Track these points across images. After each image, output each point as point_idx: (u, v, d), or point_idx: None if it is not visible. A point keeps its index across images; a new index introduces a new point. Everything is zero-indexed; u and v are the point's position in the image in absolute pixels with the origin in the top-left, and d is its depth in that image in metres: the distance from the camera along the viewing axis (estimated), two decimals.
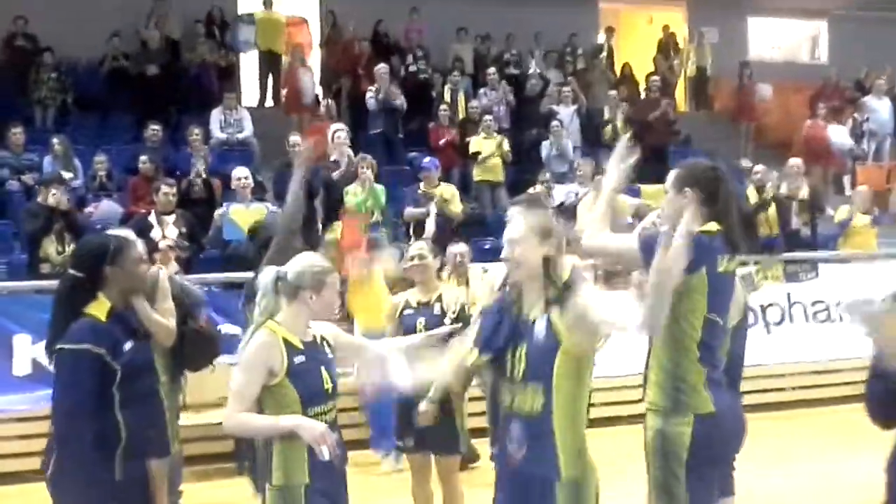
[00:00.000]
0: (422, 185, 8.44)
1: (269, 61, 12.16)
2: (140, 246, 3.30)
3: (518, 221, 2.74)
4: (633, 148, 3.19)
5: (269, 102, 12.46)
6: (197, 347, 3.90)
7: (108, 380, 3.03)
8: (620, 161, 3.10)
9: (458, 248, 5.80)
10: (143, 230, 6.38)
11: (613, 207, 3.37)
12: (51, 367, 3.21)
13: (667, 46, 14.10)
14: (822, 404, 7.55)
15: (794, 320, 8.05)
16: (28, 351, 6.00)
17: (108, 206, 8.46)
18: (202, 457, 5.87)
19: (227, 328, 6.37)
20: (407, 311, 4.29)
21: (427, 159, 8.77)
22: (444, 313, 4.21)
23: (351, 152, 8.50)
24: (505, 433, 2.75)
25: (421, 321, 4.17)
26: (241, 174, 7.95)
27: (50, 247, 7.14)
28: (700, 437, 2.95)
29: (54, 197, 7.16)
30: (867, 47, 14.86)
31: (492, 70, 11.57)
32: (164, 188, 7.20)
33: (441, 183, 8.54)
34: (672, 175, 3.11)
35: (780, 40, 16.56)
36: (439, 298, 4.29)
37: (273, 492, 2.88)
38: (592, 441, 2.76)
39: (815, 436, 6.81)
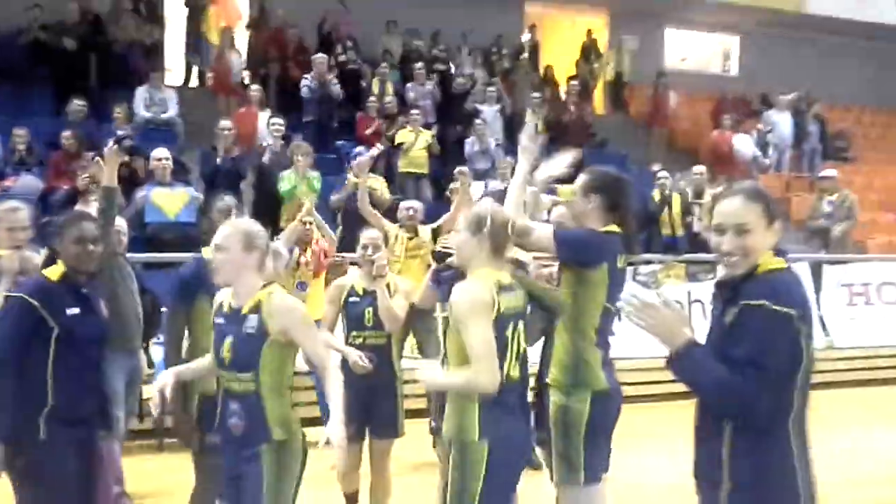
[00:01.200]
0: (353, 174, 8.58)
1: (196, 40, 12.11)
2: (84, 226, 3.39)
3: None
4: (540, 135, 3.56)
5: (194, 82, 12.43)
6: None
7: (41, 334, 3.14)
8: (528, 146, 3.44)
9: (412, 203, 6.42)
10: (72, 203, 6.40)
11: (535, 203, 3.70)
12: None
13: (588, 51, 14.61)
14: None
15: (693, 317, 8.63)
16: None
17: (28, 181, 8.36)
18: None
19: None
20: (352, 299, 4.21)
21: (359, 148, 8.95)
22: None
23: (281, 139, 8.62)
24: None
25: (369, 310, 4.14)
26: (160, 154, 7.95)
27: None
28: (596, 411, 3.31)
29: None
30: (774, 64, 15.77)
31: (419, 65, 11.81)
32: (83, 166, 7.17)
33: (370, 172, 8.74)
34: (580, 180, 3.44)
35: (694, 52, 17.35)
36: (387, 286, 4.18)
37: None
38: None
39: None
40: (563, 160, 3.54)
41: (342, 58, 12.03)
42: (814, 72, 15.62)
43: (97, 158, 4.15)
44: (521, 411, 3.05)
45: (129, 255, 6.13)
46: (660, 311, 2.36)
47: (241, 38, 12.43)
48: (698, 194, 9.60)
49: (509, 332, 2.94)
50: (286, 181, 8.06)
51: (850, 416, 7.56)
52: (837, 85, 15.90)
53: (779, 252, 2.42)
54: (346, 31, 12.57)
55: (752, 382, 2.24)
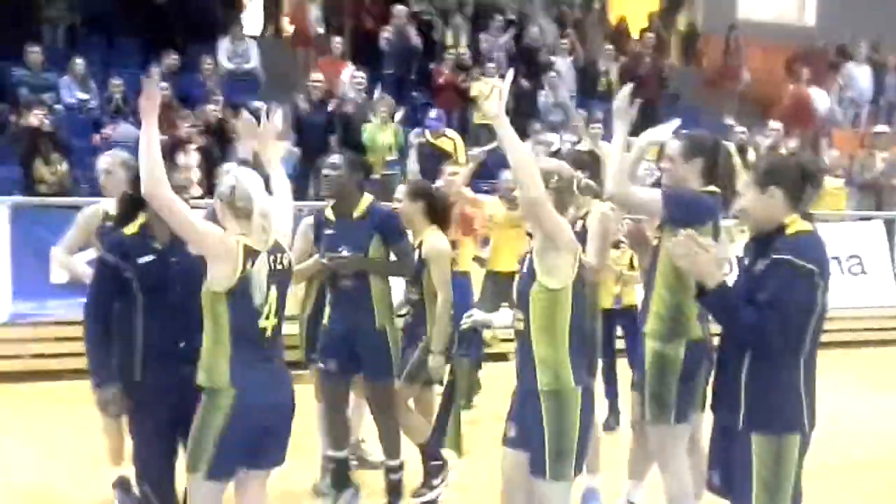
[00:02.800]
0: (427, 135, 8.73)
1: None
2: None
3: None
4: (633, 101, 3.67)
5: (271, 33, 12.69)
6: None
7: (124, 287, 3.22)
8: (623, 114, 3.54)
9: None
10: (172, 153, 6.77)
11: (635, 167, 3.82)
12: None
13: (672, 2, 14.39)
14: None
15: None
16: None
17: (125, 129, 8.79)
18: None
19: None
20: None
21: (433, 114, 8.93)
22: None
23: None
24: None
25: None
26: (258, 109, 8.27)
27: (41, 168, 7.48)
28: (689, 358, 3.53)
29: (36, 117, 7.43)
30: (853, 14, 15.33)
31: (495, 17, 11.86)
32: (185, 123, 7.53)
33: (445, 132, 8.85)
34: (679, 145, 3.55)
35: (769, 2, 16.95)
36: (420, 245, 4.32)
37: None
38: None
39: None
40: (667, 128, 3.65)
41: (416, 8, 12.16)
42: (894, 21, 15.15)
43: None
44: None
45: None
46: (699, 251, 2.77)
47: None
48: (775, 150, 9.58)
49: None
50: (368, 132, 8.33)
51: None
52: None
53: (807, 216, 2.84)
54: None
55: (771, 321, 2.69)
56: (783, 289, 2.69)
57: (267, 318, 2.96)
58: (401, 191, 4.56)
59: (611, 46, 12.14)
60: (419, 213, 4.21)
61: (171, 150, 7.41)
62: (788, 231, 2.78)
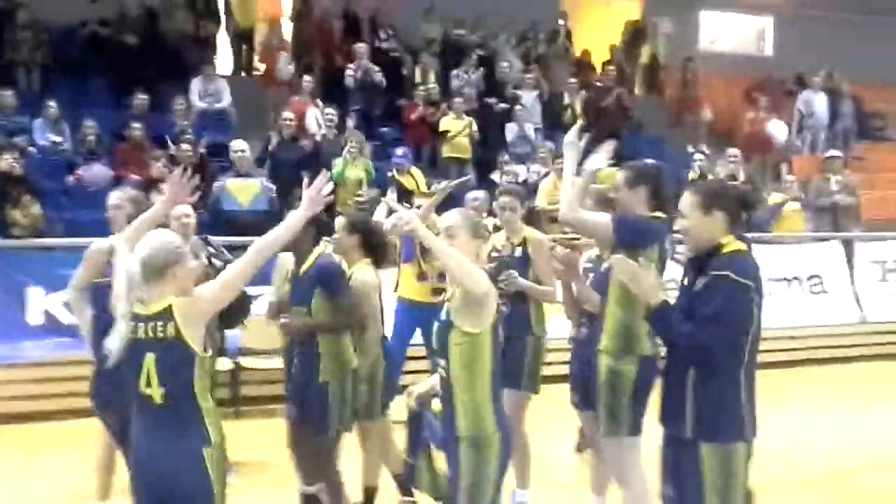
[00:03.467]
0: (394, 173, 8.88)
1: (243, 33, 12.57)
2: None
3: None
4: (585, 132, 3.92)
5: (243, 73, 12.87)
6: (232, 307, 4.40)
7: None
8: (573, 147, 3.80)
9: (478, 194, 6.01)
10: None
11: (584, 194, 4.06)
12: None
13: (634, 35, 14.79)
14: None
15: None
16: (41, 302, 6.51)
17: (98, 170, 8.91)
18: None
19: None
20: None
21: (400, 151, 9.02)
22: None
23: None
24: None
25: None
26: (238, 147, 8.47)
27: (13, 211, 7.59)
28: (641, 374, 3.73)
29: (6, 162, 7.55)
30: (809, 44, 15.86)
31: (465, 54, 12.14)
32: (163, 158, 7.69)
33: (409, 170, 8.98)
34: (625, 173, 3.83)
35: (729, 33, 17.48)
36: None
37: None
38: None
39: None
40: (605, 152, 3.91)
41: (384, 45, 12.42)
42: (850, 51, 15.68)
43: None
44: None
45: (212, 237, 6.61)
46: (642, 274, 3.03)
47: (286, 29, 12.88)
48: (732, 177, 9.90)
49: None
50: (338, 166, 8.53)
51: (882, 391, 7.88)
52: (873, 64, 15.94)
53: (741, 237, 3.04)
54: (386, 19, 12.94)
55: (712, 335, 2.89)
56: (723, 304, 2.88)
57: (148, 385, 2.84)
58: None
59: (574, 80, 12.45)
60: (355, 246, 4.28)
61: (145, 191, 7.56)
62: (724, 250, 2.99)
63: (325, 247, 4.22)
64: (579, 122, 4.03)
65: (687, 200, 3.10)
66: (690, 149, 11.56)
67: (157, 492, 2.85)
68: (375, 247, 4.32)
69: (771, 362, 8.41)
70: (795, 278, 9.60)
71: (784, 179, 11.13)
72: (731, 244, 3.01)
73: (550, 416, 5.42)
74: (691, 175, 9.91)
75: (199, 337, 2.87)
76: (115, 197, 4.36)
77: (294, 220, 3.12)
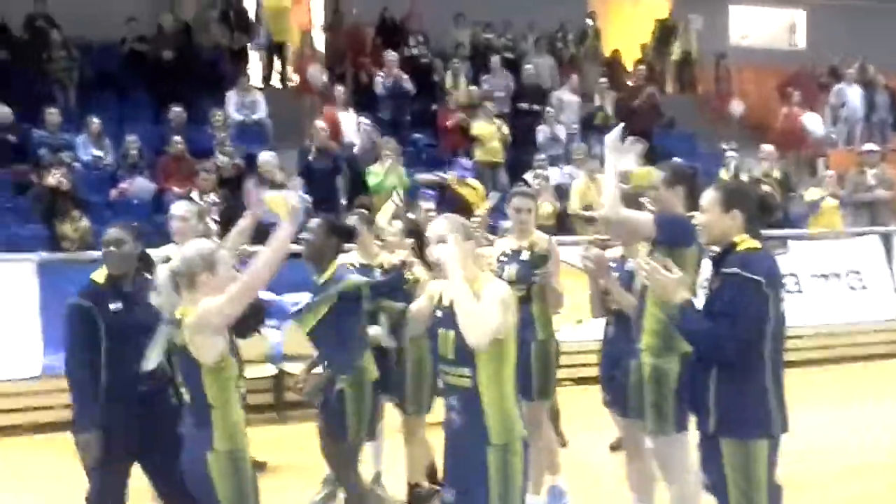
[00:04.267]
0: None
1: (276, 44, 12.78)
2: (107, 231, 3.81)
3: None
4: (626, 133, 3.99)
5: (276, 84, 13.09)
6: (245, 317, 4.44)
7: (94, 329, 3.60)
8: (615, 149, 3.87)
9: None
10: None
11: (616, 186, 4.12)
12: None
13: (664, 32, 14.75)
14: (787, 366, 8.44)
15: None
16: None
17: (141, 183, 9.14)
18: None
19: (266, 295, 7.23)
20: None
21: (466, 163, 9.17)
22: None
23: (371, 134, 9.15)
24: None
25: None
26: (265, 159, 8.58)
27: (63, 225, 7.82)
28: (684, 370, 3.78)
29: (54, 178, 7.78)
30: (842, 36, 15.70)
31: (495, 58, 12.22)
32: (203, 172, 7.87)
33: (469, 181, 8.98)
34: (664, 174, 3.90)
35: (760, 28, 17.35)
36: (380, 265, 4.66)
37: None
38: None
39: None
40: (635, 154, 3.98)
41: (414, 51, 12.54)
42: (883, 41, 15.49)
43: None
44: None
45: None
46: (664, 274, 3.12)
47: (319, 40, 13.07)
48: (766, 173, 9.86)
49: None
50: (374, 175, 8.64)
51: None
52: None
53: (756, 235, 3.17)
54: (416, 25, 13.07)
55: (723, 328, 3.00)
56: (733, 299, 3.01)
57: (181, 386, 3.14)
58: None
59: (605, 79, 12.47)
60: (331, 249, 4.18)
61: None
62: (738, 248, 3.12)
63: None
64: (621, 124, 4.07)
65: (709, 197, 3.25)
66: (724, 146, 11.51)
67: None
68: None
69: (811, 360, 8.41)
70: (835, 274, 9.53)
71: (820, 174, 11.04)
72: (745, 242, 3.14)
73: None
74: (724, 173, 9.89)
75: (210, 346, 2.97)
76: (180, 208, 4.56)
77: (282, 236, 3.10)
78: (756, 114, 14.50)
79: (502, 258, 4.56)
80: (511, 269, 4.48)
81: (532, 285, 4.50)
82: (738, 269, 3.03)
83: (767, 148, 10.40)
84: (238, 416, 3.11)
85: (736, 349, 3.01)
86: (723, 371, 3.07)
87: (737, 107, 13.73)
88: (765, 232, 9.87)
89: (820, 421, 6.30)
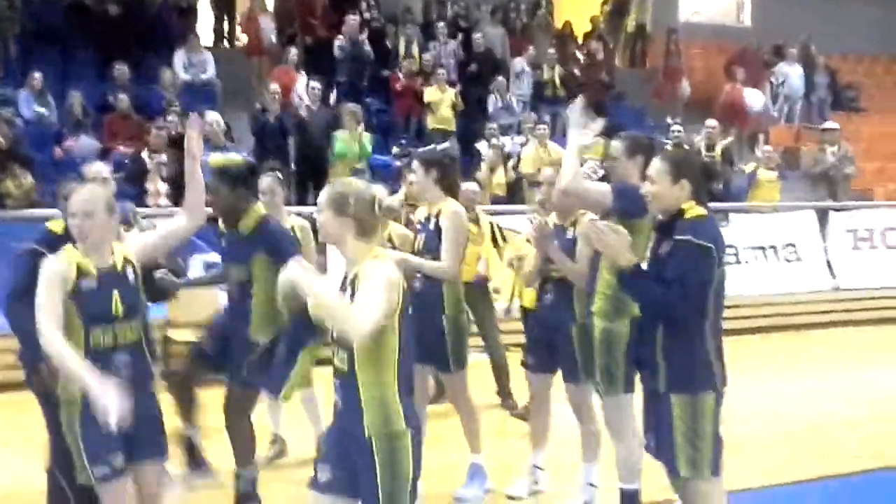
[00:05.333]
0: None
1: (225, 3, 12.55)
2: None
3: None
4: (585, 107, 4.07)
5: (225, 44, 12.87)
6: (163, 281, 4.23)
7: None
8: (577, 123, 3.94)
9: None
10: (139, 168, 7.00)
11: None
12: None
13: (617, 6, 14.86)
14: (729, 335, 8.73)
15: None
16: None
17: (85, 142, 8.96)
18: None
19: (209, 257, 7.24)
20: None
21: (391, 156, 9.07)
22: None
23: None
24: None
25: None
26: (213, 118, 8.45)
27: (7, 182, 7.64)
28: (634, 333, 3.93)
29: None
30: (787, 16, 16.04)
31: (441, 24, 12.22)
32: (155, 130, 7.75)
33: None
34: (622, 145, 4.00)
35: (709, 4, 17.61)
36: None
37: None
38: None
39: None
40: (591, 130, 4.07)
41: (366, 15, 12.43)
42: (827, 23, 15.88)
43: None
44: None
45: None
46: (612, 236, 3.22)
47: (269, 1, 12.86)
48: (710, 147, 10.13)
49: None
50: (340, 142, 8.60)
51: (854, 355, 8.19)
52: (849, 35, 16.18)
53: (701, 203, 3.28)
54: None
55: (675, 294, 3.14)
56: (685, 266, 3.14)
57: None
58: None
59: (554, 51, 12.57)
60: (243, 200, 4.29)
61: (135, 162, 7.68)
62: (687, 215, 3.24)
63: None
64: (580, 97, 4.15)
65: (656, 167, 3.34)
66: (670, 120, 11.75)
67: None
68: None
69: (748, 328, 8.74)
70: (771, 247, 9.87)
71: (761, 149, 11.37)
72: (693, 209, 3.25)
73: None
74: (667, 145, 10.12)
75: None
76: (93, 171, 4.38)
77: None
78: (702, 89, 14.76)
79: (418, 226, 4.51)
80: (420, 238, 4.43)
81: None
82: (690, 236, 3.15)
83: (711, 123, 10.66)
84: None
85: (689, 312, 3.17)
86: (670, 331, 3.23)
87: (685, 85, 13.99)
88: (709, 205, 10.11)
89: (756, 387, 6.57)
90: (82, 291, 3.10)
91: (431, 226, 4.37)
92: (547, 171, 4.59)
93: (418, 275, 4.30)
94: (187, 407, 4.40)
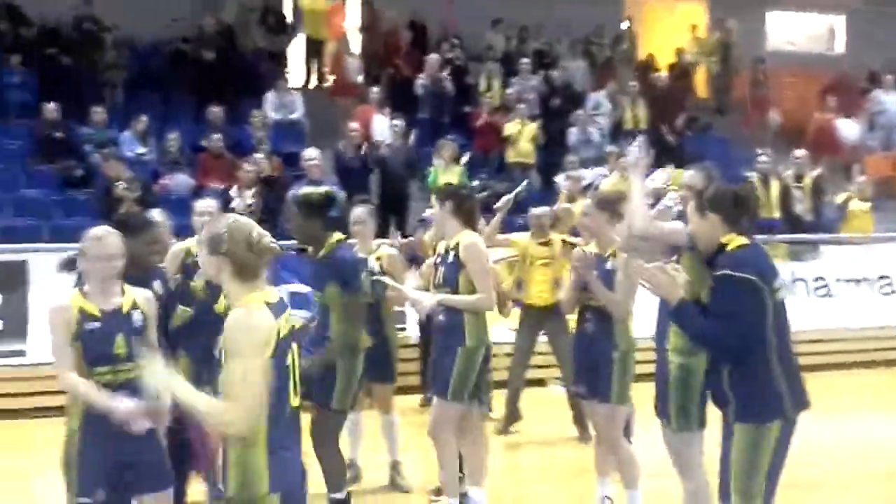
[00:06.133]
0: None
1: (314, 46, 13.03)
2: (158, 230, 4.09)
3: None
4: (648, 145, 4.08)
5: (313, 84, 13.33)
6: None
7: None
8: (638, 166, 3.98)
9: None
10: (226, 201, 7.33)
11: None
12: None
13: (694, 37, 14.77)
14: (819, 370, 8.38)
15: (796, 295, 8.90)
16: None
17: (181, 180, 9.43)
18: None
19: (296, 287, 7.47)
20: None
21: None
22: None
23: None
24: None
25: None
26: (310, 155, 8.83)
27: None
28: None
29: (113, 169, 8.04)
30: (881, 42, 15.53)
31: (525, 60, 12.35)
32: (247, 167, 8.12)
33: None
34: (698, 175, 4.00)
35: (799, 33, 17.22)
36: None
37: None
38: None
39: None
40: (664, 174, 4.10)
41: (448, 55, 12.71)
42: None
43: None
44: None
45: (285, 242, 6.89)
46: (659, 275, 3.23)
47: (355, 41, 13.30)
48: (798, 178, 9.86)
49: (287, 360, 2.65)
50: (434, 174, 8.84)
51: None
52: None
53: (743, 232, 3.28)
54: (452, 29, 13.23)
55: (720, 329, 3.14)
56: (727, 301, 3.14)
57: None
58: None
59: (636, 83, 12.52)
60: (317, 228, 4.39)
61: (225, 198, 8.01)
62: (728, 248, 3.23)
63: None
64: (640, 138, 4.17)
65: (689, 206, 3.39)
66: (758, 151, 11.49)
67: None
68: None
69: (839, 363, 8.40)
70: (865, 279, 9.50)
71: (855, 180, 10.98)
72: (733, 241, 3.24)
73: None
74: (752, 176, 9.93)
75: None
76: (202, 205, 4.79)
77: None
78: (793, 119, 14.40)
79: (437, 259, 4.53)
80: (441, 271, 4.45)
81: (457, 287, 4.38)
82: (729, 270, 3.15)
83: (800, 153, 10.38)
84: None
85: (739, 347, 3.15)
86: (734, 364, 3.21)
87: (774, 115, 13.67)
88: (792, 237, 9.89)
89: (844, 424, 6.32)
90: (84, 332, 3.25)
91: (450, 258, 4.39)
92: (584, 203, 4.62)
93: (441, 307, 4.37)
94: None
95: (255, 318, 2.56)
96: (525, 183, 6.27)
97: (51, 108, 9.78)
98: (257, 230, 2.69)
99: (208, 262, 2.67)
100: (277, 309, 2.63)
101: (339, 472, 4.34)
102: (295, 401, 2.67)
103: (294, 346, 2.69)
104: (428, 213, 5.69)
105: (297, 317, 2.74)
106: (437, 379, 4.48)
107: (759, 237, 9.10)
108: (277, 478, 2.56)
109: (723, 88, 14.76)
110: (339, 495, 4.28)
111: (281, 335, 2.60)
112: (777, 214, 9.73)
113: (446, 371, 4.38)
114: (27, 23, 11.44)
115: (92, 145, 9.64)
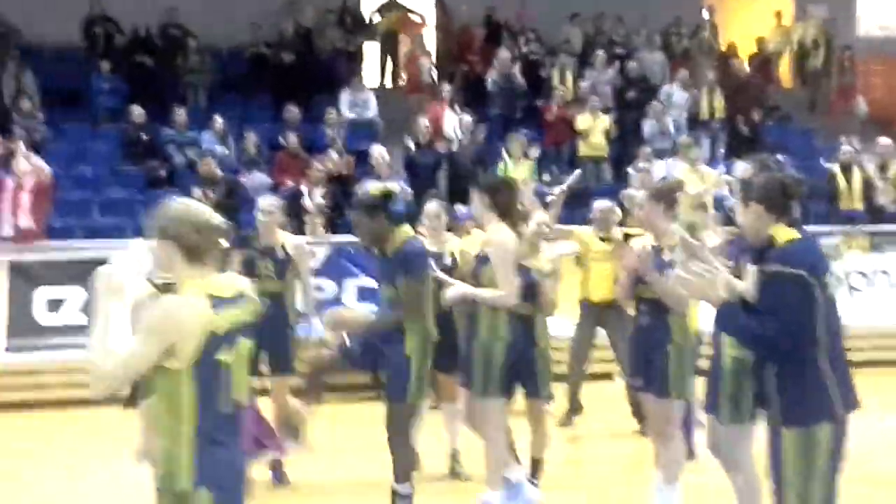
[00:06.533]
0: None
1: (389, 45, 13.22)
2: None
3: None
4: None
5: (388, 83, 13.51)
6: None
7: None
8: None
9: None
10: (296, 198, 7.55)
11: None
12: None
13: (779, 25, 14.32)
14: (879, 366, 7.69)
15: (878, 286, 8.54)
16: None
17: (258, 178, 9.75)
18: None
19: (362, 281, 7.72)
20: None
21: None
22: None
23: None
24: None
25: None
26: (377, 152, 9.00)
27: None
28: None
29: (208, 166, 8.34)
30: None
31: (600, 52, 12.23)
32: (317, 165, 8.34)
33: None
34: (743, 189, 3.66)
35: (890, 17, 16.46)
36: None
37: None
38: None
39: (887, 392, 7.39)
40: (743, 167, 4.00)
41: (524, 49, 12.69)
42: None
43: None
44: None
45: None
46: (697, 280, 3.02)
47: (430, 39, 13.43)
48: (883, 167, 9.47)
49: (224, 355, 2.53)
50: (502, 169, 8.94)
51: None
52: None
53: (793, 223, 3.10)
54: (528, 23, 13.20)
55: (770, 329, 2.95)
56: (777, 298, 2.98)
57: None
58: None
59: (714, 73, 12.24)
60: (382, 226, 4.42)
61: (297, 195, 8.27)
62: (777, 242, 3.06)
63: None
64: (578, 171, 4.13)
65: (737, 198, 3.28)
66: (842, 140, 11.07)
67: None
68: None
69: None
70: None
71: None
72: (782, 234, 3.07)
73: None
74: (833, 167, 9.60)
75: None
76: (264, 204, 5.08)
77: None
78: (882, 108, 13.79)
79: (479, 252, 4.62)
80: (478, 265, 4.57)
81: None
82: (779, 266, 2.99)
83: (885, 142, 9.96)
84: None
85: (788, 345, 2.99)
86: (781, 363, 3.06)
87: (861, 103, 13.12)
88: (875, 228, 9.49)
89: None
90: None
91: (481, 252, 4.52)
92: (639, 194, 4.58)
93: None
94: (313, 392, 4.69)
95: (183, 311, 2.48)
96: (577, 173, 6.16)
97: (137, 112, 10.24)
98: (208, 213, 2.61)
99: (158, 247, 2.57)
100: (225, 303, 2.54)
101: (408, 465, 4.40)
102: (238, 396, 2.58)
103: (241, 341, 2.58)
104: (462, 209, 5.74)
105: (249, 311, 2.62)
106: (463, 371, 4.61)
107: (839, 228, 8.79)
108: (205, 473, 2.50)
109: (812, 80, 14.22)
110: (404, 488, 4.33)
111: (218, 331, 2.50)
112: (860, 205, 9.37)
113: (469, 363, 4.49)
114: (120, 31, 12.01)
115: (174, 146, 10.03)
